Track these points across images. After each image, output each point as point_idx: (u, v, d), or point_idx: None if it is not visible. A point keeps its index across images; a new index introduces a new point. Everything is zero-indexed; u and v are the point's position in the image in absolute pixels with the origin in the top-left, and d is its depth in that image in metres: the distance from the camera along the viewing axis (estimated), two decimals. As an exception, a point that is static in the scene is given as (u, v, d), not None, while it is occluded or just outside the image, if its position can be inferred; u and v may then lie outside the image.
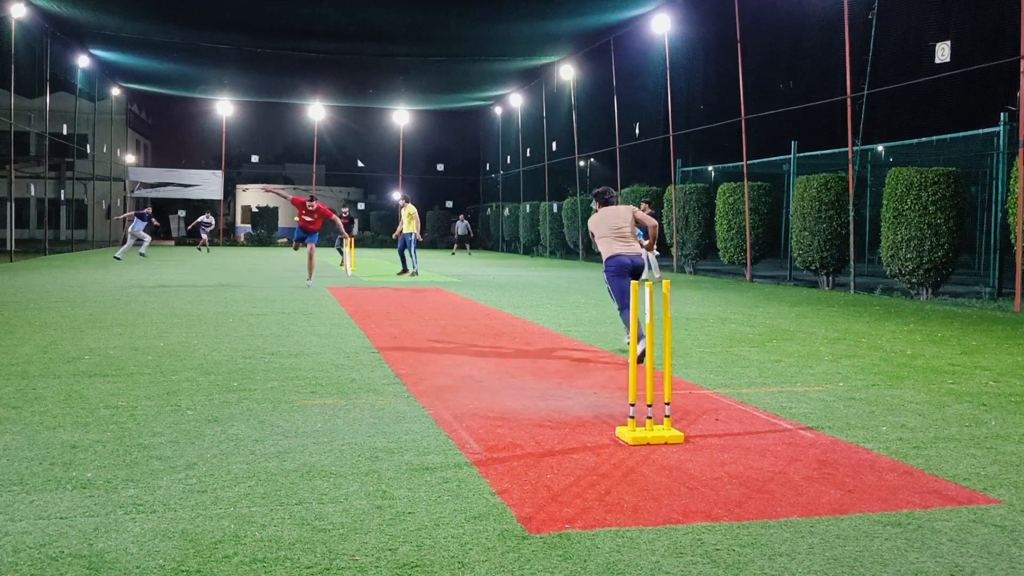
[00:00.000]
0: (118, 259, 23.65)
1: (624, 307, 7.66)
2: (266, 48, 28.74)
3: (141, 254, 25.14)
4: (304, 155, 44.57)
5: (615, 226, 7.75)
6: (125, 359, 6.92)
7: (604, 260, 7.82)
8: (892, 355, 7.79)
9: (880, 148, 18.10)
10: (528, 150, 34.64)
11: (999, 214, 14.52)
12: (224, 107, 40.26)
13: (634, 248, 7.73)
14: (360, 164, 43.86)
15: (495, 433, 4.67)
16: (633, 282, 4.71)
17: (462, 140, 45.22)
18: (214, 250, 33.68)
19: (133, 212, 26.78)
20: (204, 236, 31.71)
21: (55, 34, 26.61)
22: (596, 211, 8.00)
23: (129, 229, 25.10)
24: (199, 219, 32.25)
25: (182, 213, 43.82)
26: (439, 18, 24.71)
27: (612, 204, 7.97)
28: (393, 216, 38.86)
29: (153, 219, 26.82)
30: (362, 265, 23.03)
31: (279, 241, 43.36)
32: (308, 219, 14.23)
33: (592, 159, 30.32)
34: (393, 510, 3.38)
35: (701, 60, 21.88)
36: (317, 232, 14.61)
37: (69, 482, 3.67)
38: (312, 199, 14.22)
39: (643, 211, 15.39)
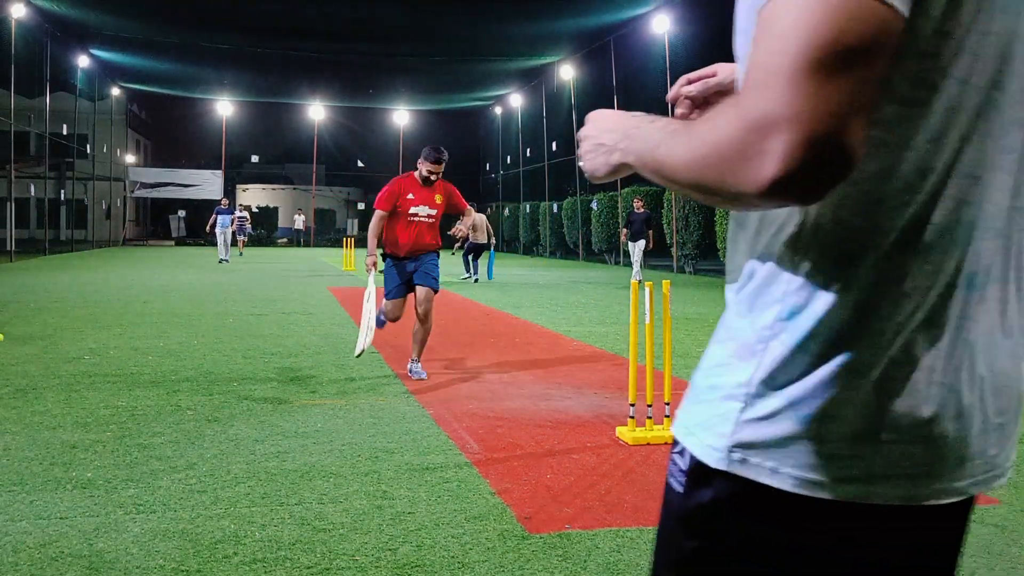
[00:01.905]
0: (227, 261, 23.04)
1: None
2: (266, 48, 28.71)
3: (221, 260, 23.08)
4: (304, 155, 44.55)
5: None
6: (125, 359, 6.92)
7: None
8: (892, 355, 7.78)
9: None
10: (528, 150, 34.62)
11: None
12: (224, 107, 40.22)
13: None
14: (360, 164, 43.83)
15: (495, 433, 4.67)
16: (633, 282, 4.75)
17: (462, 140, 45.13)
18: (205, 251, 30.96)
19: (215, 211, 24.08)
20: (243, 236, 29.14)
21: (55, 34, 26.58)
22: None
23: (217, 230, 23.44)
24: (235, 214, 27.15)
25: (182, 213, 43.77)
26: (439, 18, 24.70)
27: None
28: None
29: (235, 214, 23.32)
30: (361, 264, 22.95)
31: (279, 241, 43.32)
32: (425, 216, 6.56)
33: (592, 159, 30.28)
34: (393, 510, 3.38)
35: (701, 60, 21.83)
36: (435, 253, 6.67)
37: (69, 482, 3.67)
38: (437, 158, 6.61)
39: (636, 208, 17.50)
